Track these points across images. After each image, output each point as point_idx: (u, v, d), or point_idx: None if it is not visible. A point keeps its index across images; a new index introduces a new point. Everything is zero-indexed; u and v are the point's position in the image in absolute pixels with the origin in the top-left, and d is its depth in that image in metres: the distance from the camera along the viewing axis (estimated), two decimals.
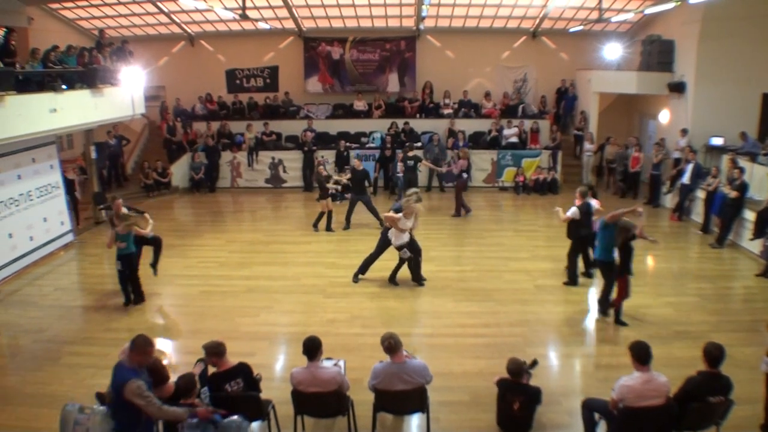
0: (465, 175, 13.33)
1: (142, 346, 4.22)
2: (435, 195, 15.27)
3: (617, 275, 7.42)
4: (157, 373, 4.61)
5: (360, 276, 9.09)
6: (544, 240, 11.14)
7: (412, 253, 8.80)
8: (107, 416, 4.23)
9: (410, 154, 13.39)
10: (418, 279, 8.95)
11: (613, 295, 7.55)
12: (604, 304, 7.71)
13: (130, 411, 4.10)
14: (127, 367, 4.16)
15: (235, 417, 4.40)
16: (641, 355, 4.61)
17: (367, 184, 12.26)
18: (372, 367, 5.04)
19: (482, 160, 15.72)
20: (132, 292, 8.31)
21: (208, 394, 4.75)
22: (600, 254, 7.58)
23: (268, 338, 7.28)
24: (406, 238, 8.58)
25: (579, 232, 8.51)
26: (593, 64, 16.27)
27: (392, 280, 8.92)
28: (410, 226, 8.52)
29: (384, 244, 8.78)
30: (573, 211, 8.45)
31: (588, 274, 9.07)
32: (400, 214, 8.44)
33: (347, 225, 11.98)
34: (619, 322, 7.48)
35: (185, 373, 4.74)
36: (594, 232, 8.06)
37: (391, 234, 8.59)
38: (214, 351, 4.83)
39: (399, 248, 8.62)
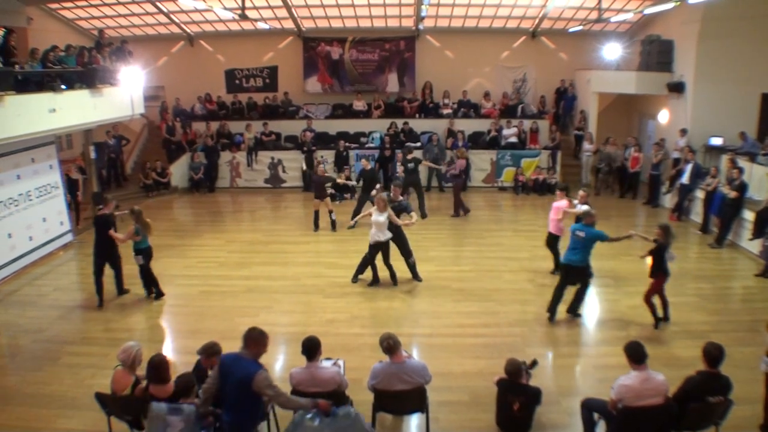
0: (457, 173, 13.28)
1: (258, 338, 4.22)
2: (434, 195, 15.24)
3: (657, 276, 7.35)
4: (161, 371, 4.62)
5: (359, 276, 9.09)
6: (543, 240, 11.08)
7: (406, 256, 8.93)
8: (197, 415, 4.23)
9: (410, 156, 13.35)
10: (416, 277, 9.06)
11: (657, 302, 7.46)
12: (577, 304, 7.73)
13: (252, 403, 4.10)
14: (248, 359, 4.13)
15: (351, 408, 4.46)
16: (635, 354, 4.64)
17: (377, 184, 12.19)
18: (371, 367, 5.05)
19: (481, 160, 15.73)
20: (153, 286, 8.45)
21: None
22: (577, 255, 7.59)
23: None
24: (383, 236, 8.56)
25: None
26: (592, 64, 16.28)
27: (374, 280, 8.94)
28: (383, 220, 8.52)
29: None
30: (584, 209, 8.48)
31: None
32: (373, 207, 8.63)
33: (353, 224, 11.92)
34: (666, 318, 7.49)
35: (183, 372, 4.73)
36: None
37: (372, 232, 8.64)
38: (211, 352, 4.89)
39: (372, 244, 8.66)
